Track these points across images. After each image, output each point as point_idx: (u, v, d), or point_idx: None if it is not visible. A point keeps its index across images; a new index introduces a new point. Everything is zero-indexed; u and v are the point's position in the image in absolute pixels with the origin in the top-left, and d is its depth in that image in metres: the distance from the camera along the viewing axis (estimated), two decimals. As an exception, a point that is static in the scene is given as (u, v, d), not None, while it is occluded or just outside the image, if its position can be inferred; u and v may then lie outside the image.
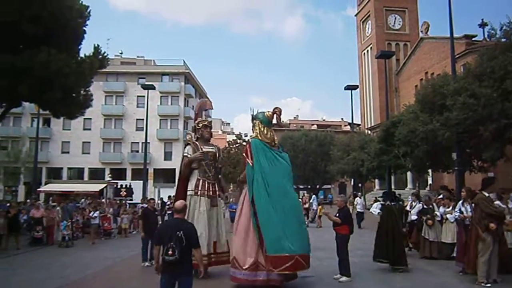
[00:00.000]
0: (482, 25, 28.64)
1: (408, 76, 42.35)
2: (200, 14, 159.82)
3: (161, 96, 49.90)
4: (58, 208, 16.63)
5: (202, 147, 9.24)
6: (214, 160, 9.41)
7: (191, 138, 9.51)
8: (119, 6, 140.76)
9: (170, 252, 4.99)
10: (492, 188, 8.04)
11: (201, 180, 9.01)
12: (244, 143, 53.08)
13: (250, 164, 7.74)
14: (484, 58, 16.93)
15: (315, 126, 68.96)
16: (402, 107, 30.09)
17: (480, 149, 17.53)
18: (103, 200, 22.70)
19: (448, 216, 10.20)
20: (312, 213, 22.15)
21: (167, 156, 47.94)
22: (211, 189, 9.06)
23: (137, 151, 48.50)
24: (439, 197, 12.24)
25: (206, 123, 9.76)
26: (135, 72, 51.19)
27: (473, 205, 8.16)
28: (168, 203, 22.19)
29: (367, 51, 49.57)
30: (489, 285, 7.44)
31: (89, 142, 49.30)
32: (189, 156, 9.10)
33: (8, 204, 17.52)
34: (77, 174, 48.23)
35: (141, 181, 31.13)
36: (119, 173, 45.92)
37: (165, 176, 46.77)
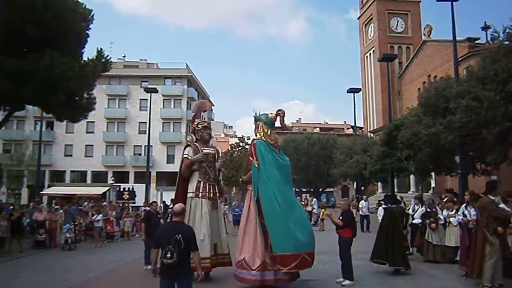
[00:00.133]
0: (485, 28, 28.59)
1: (410, 79, 42.33)
2: (203, 18, 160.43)
3: (163, 99, 49.95)
4: (61, 211, 16.67)
5: (202, 148, 9.16)
6: (214, 162, 9.38)
7: (192, 140, 9.39)
8: (122, 10, 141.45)
9: (168, 255, 5.00)
10: (496, 191, 8.03)
11: (202, 182, 8.91)
12: (247, 146, 53.15)
13: (256, 164, 7.74)
14: (487, 61, 16.90)
15: (318, 129, 68.89)
16: (405, 110, 30.11)
17: (484, 152, 17.48)
18: (104, 203, 22.73)
19: (451, 219, 10.16)
20: (314, 216, 22.12)
21: (170, 159, 47.95)
22: (211, 191, 8.98)
23: (140, 154, 48.56)
24: (444, 200, 12.18)
25: (206, 124, 9.64)
26: (138, 76, 51.30)
27: (476, 208, 8.07)
28: (171, 206, 22.16)
29: (370, 54, 49.60)
30: None
31: (92, 145, 49.38)
32: (189, 157, 8.98)
33: (11, 207, 17.52)
34: (80, 177, 48.32)
35: (144, 184, 31.16)
36: (121, 176, 46.00)
37: (167, 179, 46.74)
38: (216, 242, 8.78)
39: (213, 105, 63.74)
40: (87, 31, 20.03)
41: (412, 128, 19.52)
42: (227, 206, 22.54)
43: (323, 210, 21.11)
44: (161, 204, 26.47)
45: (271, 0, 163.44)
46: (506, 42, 16.70)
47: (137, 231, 19.07)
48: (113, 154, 49.78)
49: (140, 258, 10.82)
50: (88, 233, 17.34)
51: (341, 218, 8.50)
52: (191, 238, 5.27)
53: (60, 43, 17.93)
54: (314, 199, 25.01)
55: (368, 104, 50.42)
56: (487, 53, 17.87)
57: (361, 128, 51.53)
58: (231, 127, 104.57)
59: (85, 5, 19.69)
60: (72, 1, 18.81)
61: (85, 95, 20.85)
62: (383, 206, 11.51)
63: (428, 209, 11.37)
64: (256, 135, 8.28)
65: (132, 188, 35.78)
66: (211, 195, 8.94)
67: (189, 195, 8.84)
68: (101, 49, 20.72)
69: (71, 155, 49.15)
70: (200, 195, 8.78)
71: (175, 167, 47.48)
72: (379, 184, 41.24)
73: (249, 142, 53.15)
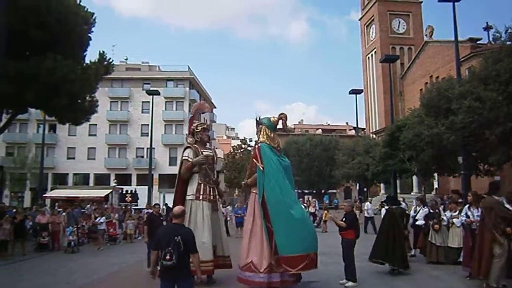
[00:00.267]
0: (487, 28, 28.60)
1: (412, 80, 42.29)
2: (204, 20, 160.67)
3: (165, 102, 50.01)
4: (63, 213, 16.70)
5: (202, 150, 9.09)
6: (213, 164, 9.35)
7: (192, 141, 9.28)
8: (124, 13, 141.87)
9: (167, 257, 5.03)
10: (500, 192, 8.01)
11: (202, 184, 8.82)
12: (249, 148, 53.18)
13: (261, 168, 7.77)
14: (489, 61, 16.88)
15: (320, 130, 68.93)
16: (407, 111, 30.08)
17: (486, 153, 17.45)
18: (106, 206, 22.77)
19: (454, 220, 10.14)
20: (317, 217, 22.11)
21: (172, 161, 47.96)
22: (212, 194, 8.91)
23: (142, 157, 48.60)
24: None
25: (205, 126, 9.54)
26: (140, 78, 51.40)
27: (480, 209, 8.00)
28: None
29: (372, 55, 49.60)
30: None
31: (94, 147, 49.47)
32: (190, 159, 8.87)
33: (14, 210, 17.59)
34: (82, 180, 48.39)
35: (146, 187, 31.20)
36: (124, 179, 46.05)
37: (170, 181, 46.74)
38: (216, 245, 8.73)
39: (215, 107, 63.86)
40: (89, 34, 20.14)
41: (414, 129, 19.50)
42: (230, 208, 22.52)
43: (325, 211, 21.10)
44: (164, 206, 26.48)
45: (272, 1, 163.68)
46: (508, 43, 16.67)
47: (140, 234, 19.11)
48: (115, 157, 49.86)
49: (143, 261, 10.82)
50: (91, 235, 17.36)
51: (344, 219, 8.50)
52: (191, 240, 5.28)
53: (62, 46, 18.02)
54: (315, 201, 25.05)
55: (370, 105, 50.39)
56: (489, 53, 17.84)
57: (363, 129, 51.58)
58: (233, 129, 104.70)
59: (87, 8, 19.82)
60: (74, 4, 18.92)
61: (87, 97, 20.94)
62: (386, 207, 11.51)
63: (431, 210, 11.34)
64: (259, 139, 8.30)
65: (135, 191, 35.84)
66: (211, 197, 8.87)
67: (189, 197, 8.74)
68: (103, 52, 20.83)
69: (73, 158, 49.24)
70: (200, 197, 8.69)
71: (177, 169, 47.03)
72: (382, 185, 41.19)
73: (251, 144, 53.22)
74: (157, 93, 31.47)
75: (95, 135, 49.19)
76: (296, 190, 8.31)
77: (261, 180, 7.70)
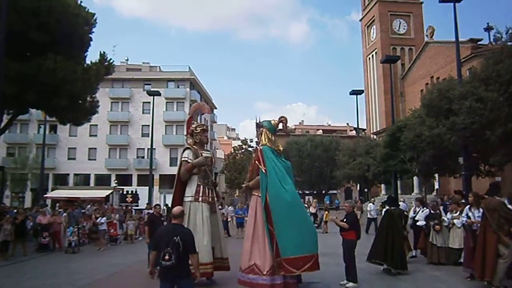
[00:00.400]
0: (488, 29, 28.63)
1: (413, 80, 42.29)
2: (205, 20, 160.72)
3: (166, 102, 50.10)
4: (64, 214, 16.70)
5: (201, 152, 9.04)
6: (211, 166, 9.32)
7: (192, 142, 9.18)
8: (125, 13, 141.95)
9: (166, 257, 5.04)
10: (501, 193, 7.99)
11: (201, 186, 8.76)
12: (250, 149, 53.17)
13: (263, 170, 7.80)
14: (490, 62, 16.89)
15: (321, 131, 68.88)
16: (407, 111, 30.07)
17: (487, 154, 17.45)
18: (105, 206, 22.76)
19: (455, 221, 10.12)
20: (318, 218, 22.12)
21: (173, 162, 47.99)
22: (210, 195, 8.87)
23: (143, 157, 48.67)
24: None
25: (204, 127, 9.47)
26: (140, 79, 51.48)
27: (484, 210, 7.89)
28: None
29: (372, 55, 49.60)
30: None
31: (95, 148, 49.54)
32: (189, 160, 8.77)
33: (15, 211, 17.58)
34: (83, 180, 48.47)
35: (147, 187, 31.19)
36: (125, 179, 46.10)
37: (170, 182, 46.51)
38: (214, 246, 8.69)
39: (216, 108, 63.88)
40: (90, 35, 20.17)
41: (415, 129, 19.49)
42: (232, 208, 22.51)
43: (326, 212, 21.11)
44: (164, 207, 26.47)
45: (273, 2, 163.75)
46: (509, 43, 16.71)
47: (141, 234, 19.12)
48: (116, 157, 49.93)
49: (144, 261, 10.80)
50: (91, 236, 17.37)
51: (345, 220, 8.49)
52: (190, 240, 5.30)
53: (63, 47, 18.04)
54: (315, 201, 25.12)
55: (371, 106, 50.39)
56: (490, 54, 17.85)
57: (364, 130, 51.57)
58: (234, 129, 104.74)
59: (88, 9, 19.84)
60: (75, 5, 18.93)
61: (88, 98, 20.97)
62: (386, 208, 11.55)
63: (432, 211, 11.33)
64: (260, 142, 8.34)
65: (135, 191, 35.79)
66: (210, 199, 8.83)
67: (187, 199, 8.66)
68: (104, 52, 20.86)
69: (74, 158, 49.33)
70: (200, 199, 8.63)
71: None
72: (383, 186, 41.20)
73: (252, 144, 53.21)
74: (157, 93, 31.48)
75: (96, 135, 49.28)
76: (297, 191, 8.31)
77: (264, 182, 7.73)
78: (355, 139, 40.90)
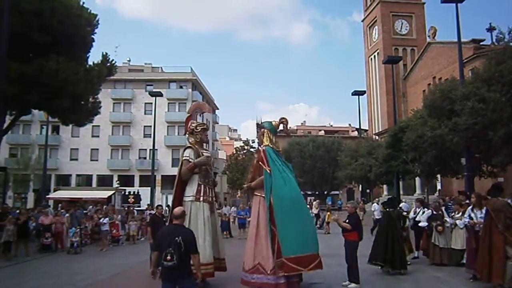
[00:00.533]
0: (490, 29, 28.58)
1: (415, 81, 42.23)
2: (207, 21, 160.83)
3: (168, 103, 50.20)
4: (67, 215, 16.73)
5: (202, 151, 8.99)
6: (211, 165, 9.31)
7: (194, 142, 9.09)
8: (127, 14, 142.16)
9: (168, 257, 5.05)
10: (504, 193, 7.97)
11: (202, 186, 8.71)
12: (252, 149, 53.18)
13: (268, 171, 7.83)
14: (493, 62, 16.86)
15: (323, 132, 68.89)
16: (410, 112, 30.05)
17: (490, 154, 17.42)
18: (105, 206, 22.75)
19: (457, 222, 10.10)
20: (320, 219, 22.10)
21: (175, 162, 47.99)
22: (210, 195, 8.84)
23: (145, 158, 48.75)
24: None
25: (204, 126, 9.43)
26: (142, 79, 51.58)
27: (490, 211, 7.82)
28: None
29: (374, 56, 49.54)
30: None
31: (97, 149, 49.65)
32: (191, 160, 8.67)
33: (17, 211, 17.62)
34: (85, 181, 48.53)
35: (149, 188, 31.23)
36: (127, 180, 46.10)
37: (172, 182, 45.72)
38: (213, 247, 8.65)
39: (217, 108, 63.90)
40: (92, 36, 20.21)
41: (417, 130, 19.47)
42: (235, 209, 22.50)
43: (328, 213, 21.08)
44: (166, 208, 26.49)
45: (274, 3, 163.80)
46: (512, 44, 16.66)
47: (143, 235, 19.14)
48: (118, 158, 50.02)
49: (146, 262, 10.80)
50: (93, 237, 17.40)
51: (347, 221, 8.49)
52: (191, 240, 5.30)
53: (65, 48, 18.09)
54: (318, 201, 25.14)
55: (373, 107, 50.31)
56: (492, 54, 17.82)
57: (366, 130, 51.49)
58: (236, 130, 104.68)
59: (90, 10, 19.87)
60: (77, 6, 18.98)
61: (90, 99, 21.02)
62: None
63: (434, 212, 11.31)
64: (263, 142, 8.38)
65: (137, 192, 35.81)
66: (210, 199, 8.80)
67: (188, 198, 8.59)
68: (106, 53, 20.91)
69: (76, 159, 49.45)
70: (201, 198, 8.57)
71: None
72: (385, 186, 41.10)
73: (254, 145, 53.21)
74: (159, 94, 31.54)
75: (98, 136, 49.40)
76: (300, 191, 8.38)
77: (268, 183, 7.76)
78: (357, 140, 40.85)
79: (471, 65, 28.14)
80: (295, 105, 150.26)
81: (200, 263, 5.89)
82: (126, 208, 25.61)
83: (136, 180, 48.24)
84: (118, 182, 41.36)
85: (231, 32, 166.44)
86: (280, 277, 7.34)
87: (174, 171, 9.07)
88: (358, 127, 38.27)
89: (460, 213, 10.06)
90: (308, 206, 21.18)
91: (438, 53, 37.99)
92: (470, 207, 9.13)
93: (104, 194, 30.81)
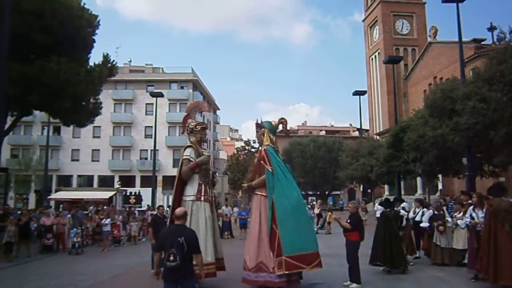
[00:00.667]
0: (491, 28, 28.49)
1: (416, 81, 42.19)
2: (207, 22, 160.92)
3: (169, 104, 50.23)
4: (68, 215, 16.75)
5: (201, 150, 8.93)
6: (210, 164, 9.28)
7: (195, 141, 8.98)
8: (127, 15, 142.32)
9: (171, 258, 5.05)
10: (507, 193, 7.95)
11: (202, 185, 8.65)
12: (253, 150, 53.15)
13: (270, 170, 7.89)
14: (494, 62, 16.83)
15: (324, 132, 68.83)
16: (411, 112, 29.99)
17: (491, 154, 17.37)
18: (105, 207, 22.77)
19: (458, 222, 10.09)
20: (321, 219, 22.10)
21: (176, 163, 47.83)
22: (210, 195, 8.80)
23: (146, 159, 48.79)
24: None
25: (204, 125, 9.36)
26: (143, 80, 51.63)
27: (494, 211, 7.72)
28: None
29: (375, 56, 49.51)
30: None
31: (98, 149, 49.70)
32: (192, 159, 8.58)
33: (19, 212, 17.63)
34: (86, 182, 48.55)
35: (150, 188, 31.24)
36: (128, 181, 46.17)
37: (173, 183, 46.66)
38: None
39: (218, 109, 63.92)
40: (93, 37, 20.24)
41: (418, 130, 19.44)
42: (237, 209, 22.51)
43: (329, 213, 21.08)
44: (167, 208, 26.49)
45: (275, 3, 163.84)
46: (513, 43, 16.63)
47: (144, 236, 19.15)
48: (119, 159, 50.06)
49: (147, 262, 10.83)
50: (95, 237, 17.41)
51: (348, 221, 8.49)
52: (194, 241, 5.30)
53: (66, 49, 18.12)
54: (320, 202, 25.14)
55: (374, 107, 50.28)
56: (493, 54, 17.78)
57: (367, 130, 51.42)
58: (237, 130, 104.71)
59: (91, 11, 19.88)
60: (78, 7, 19.01)
61: (91, 100, 21.04)
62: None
63: (435, 212, 11.30)
64: (263, 142, 8.42)
65: (139, 192, 35.83)
66: (210, 198, 8.76)
67: (189, 198, 8.50)
68: (107, 54, 20.94)
69: (78, 160, 49.52)
70: (202, 198, 8.51)
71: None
72: (386, 186, 41.07)
73: (255, 145, 53.16)
74: (160, 95, 31.55)
75: (99, 137, 49.45)
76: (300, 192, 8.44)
77: (271, 182, 7.82)
78: (358, 140, 40.81)
79: (472, 65, 28.11)
80: (296, 105, 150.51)
81: (203, 263, 5.88)
82: (127, 209, 25.63)
83: (137, 181, 48.28)
84: (119, 182, 41.44)
85: (232, 33, 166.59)
86: (282, 275, 7.37)
87: (175, 172, 9.02)
88: (359, 127, 38.19)
89: (461, 213, 10.04)
90: (309, 206, 21.27)
91: (439, 52, 37.94)
92: (472, 207, 9.12)
93: (105, 194, 30.84)
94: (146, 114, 49.92)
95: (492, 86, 16.17)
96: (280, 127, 8.74)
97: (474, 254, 8.43)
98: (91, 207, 23.34)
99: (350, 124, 76.94)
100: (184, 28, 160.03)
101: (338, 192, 55.50)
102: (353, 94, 32.81)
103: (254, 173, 8.43)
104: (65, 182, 46.84)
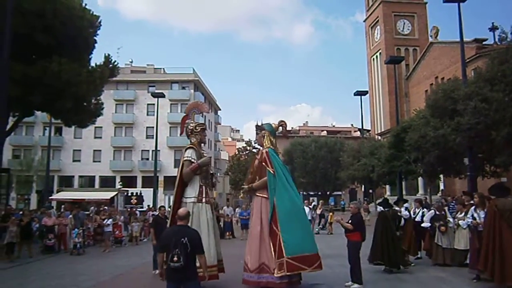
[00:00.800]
0: (493, 28, 28.44)
1: (418, 81, 42.16)
2: (208, 22, 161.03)
3: (171, 104, 50.24)
4: (70, 216, 16.76)
5: (202, 152, 8.92)
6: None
7: (196, 142, 8.92)
8: (129, 16, 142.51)
9: (175, 258, 5.02)
10: (510, 194, 7.93)
11: (203, 187, 8.61)
12: (254, 150, 53.14)
13: (272, 172, 7.93)
14: (495, 62, 16.81)
15: (325, 132, 68.78)
16: (412, 112, 29.97)
17: (493, 154, 17.35)
18: (105, 208, 22.77)
19: (460, 222, 10.07)
20: (323, 219, 22.09)
21: (177, 163, 47.71)
22: (210, 196, 8.79)
23: (147, 159, 48.82)
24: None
25: (204, 126, 9.29)
26: (145, 81, 51.69)
27: (498, 211, 7.65)
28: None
29: (376, 56, 49.50)
30: None
31: (100, 150, 49.75)
32: (193, 160, 8.52)
33: (20, 212, 17.65)
34: (88, 182, 48.59)
35: (152, 189, 31.25)
36: (129, 181, 46.19)
37: (175, 183, 46.71)
38: None
39: (220, 109, 63.94)
40: (95, 37, 20.27)
41: (420, 130, 19.43)
42: (238, 210, 22.52)
43: (331, 213, 21.06)
44: (169, 209, 26.48)
45: (276, 4, 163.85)
46: (514, 43, 16.61)
47: (145, 236, 19.15)
48: (121, 159, 50.12)
49: (149, 263, 10.85)
50: (96, 238, 17.42)
51: (350, 221, 8.48)
52: (197, 241, 5.29)
53: (68, 49, 18.15)
54: (314, 203, 25.16)
55: (375, 107, 50.26)
56: (495, 54, 17.75)
57: (368, 130, 51.40)
58: (238, 131, 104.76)
59: (93, 11, 19.90)
60: (80, 8, 19.03)
61: (93, 100, 21.07)
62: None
63: (437, 212, 11.28)
64: (264, 144, 8.47)
65: (140, 193, 35.84)
66: (211, 200, 8.76)
67: (190, 199, 8.43)
68: (108, 54, 20.98)
69: (79, 160, 49.57)
70: (203, 200, 8.48)
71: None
72: (387, 187, 41.03)
73: (256, 146, 53.14)
74: (162, 95, 31.56)
75: (101, 137, 49.50)
76: (301, 192, 8.49)
77: (272, 183, 7.86)
78: (360, 140, 40.82)
79: (473, 65, 28.08)
80: (297, 106, 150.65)
81: (207, 263, 5.86)
82: (128, 209, 25.63)
83: (139, 181, 48.31)
84: (120, 183, 41.47)
85: (232, 33, 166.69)
86: (283, 277, 7.39)
87: (177, 172, 9.00)
88: (360, 127, 38.21)
89: (463, 213, 10.03)
90: (310, 207, 21.23)
91: (440, 53, 37.91)
92: (473, 207, 9.11)
93: (107, 195, 30.82)
94: (147, 114, 49.95)
95: (493, 86, 16.15)
96: (280, 129, 8.79)
97: (476, 254, 8.41)
98: (92, 208, 23.36)
99: (352, 125, 77.02)
100: (184, 28, 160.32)
101: (340, 193, 55.46)
102: (355, 94, 32.79)
103: (254, 174, 8.43)
104: (66, 182, 46.92)
